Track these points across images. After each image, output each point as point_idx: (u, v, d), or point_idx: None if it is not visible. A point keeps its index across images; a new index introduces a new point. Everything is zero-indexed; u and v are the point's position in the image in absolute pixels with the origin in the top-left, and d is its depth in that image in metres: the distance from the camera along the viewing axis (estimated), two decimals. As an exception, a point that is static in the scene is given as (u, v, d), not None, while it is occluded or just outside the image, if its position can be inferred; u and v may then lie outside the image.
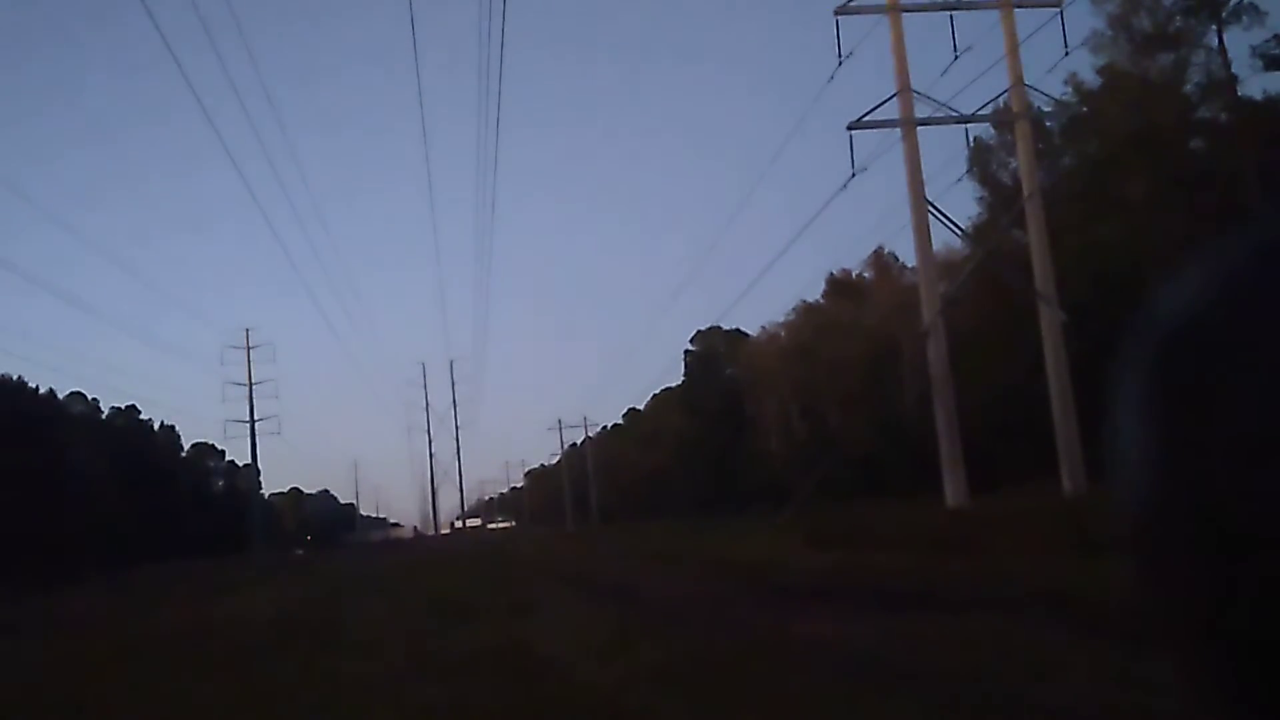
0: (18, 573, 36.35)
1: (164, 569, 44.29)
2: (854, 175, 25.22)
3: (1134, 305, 0.57)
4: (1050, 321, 25.46)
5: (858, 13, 25.62)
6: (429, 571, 28.02)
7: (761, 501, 50.80)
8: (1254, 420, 0.45)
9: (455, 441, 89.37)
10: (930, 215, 25.48)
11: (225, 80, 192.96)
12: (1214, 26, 31.75)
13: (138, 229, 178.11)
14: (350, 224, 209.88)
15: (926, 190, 25.57)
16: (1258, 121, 30.65)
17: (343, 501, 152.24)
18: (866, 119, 25.28)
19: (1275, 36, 30.65)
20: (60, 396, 67.31)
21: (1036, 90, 26.79)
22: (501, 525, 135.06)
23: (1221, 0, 31.12)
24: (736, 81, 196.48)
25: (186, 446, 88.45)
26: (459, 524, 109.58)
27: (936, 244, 27.45)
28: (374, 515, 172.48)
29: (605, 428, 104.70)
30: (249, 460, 74.53)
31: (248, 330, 72.59)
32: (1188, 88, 33.14)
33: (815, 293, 61.37)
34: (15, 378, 60.03)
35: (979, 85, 69.93)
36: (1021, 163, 27.79)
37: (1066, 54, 25.96)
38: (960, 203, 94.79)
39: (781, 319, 64.98)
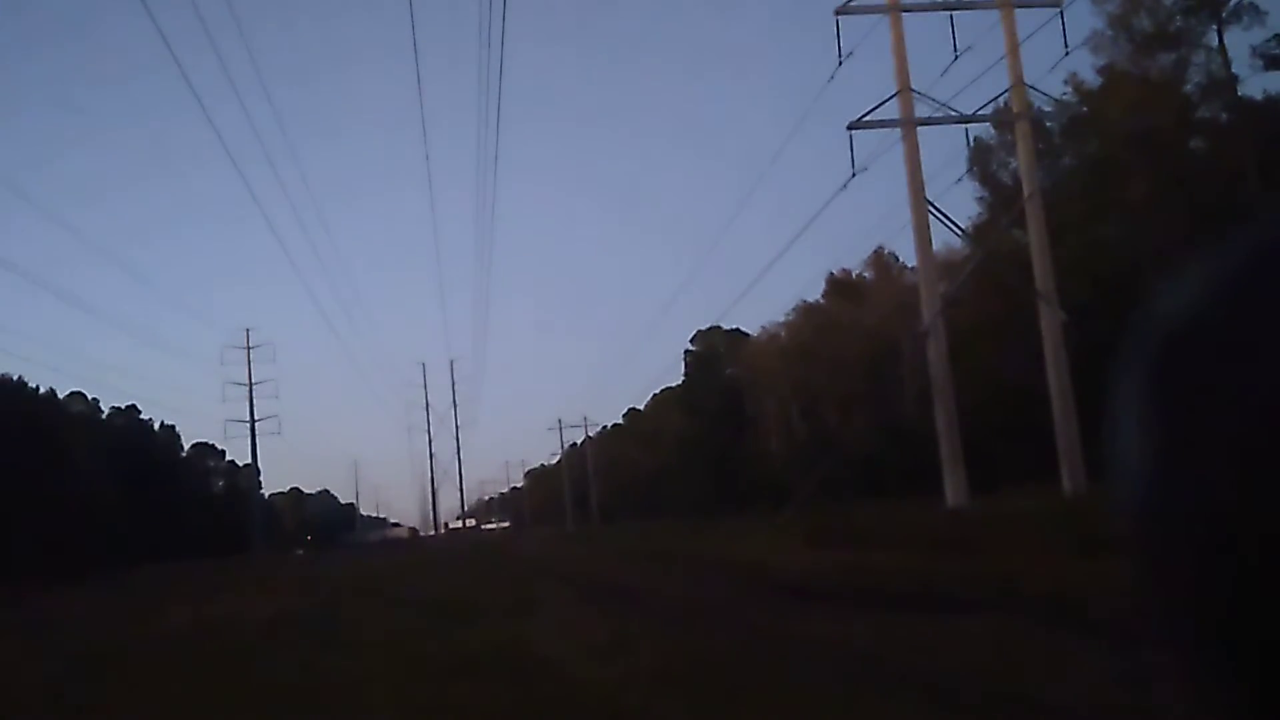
0: (17, 573, 36.35)
1: (164, 569, 44.28)
2: (854, 175, 25.23)
3: (1134, 305, 0.57)
4: (1050, 321, 25.46)
5: (858, 12, 25.62)
6: (430, 571, 28.02)
7: (761, 501, 50.80)
8: (1254, 420, 0.45)
9: (455, 441, 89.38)
10: (930, 215, 25.49)
11: (226, 81, 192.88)
12: (1214, 26, 31.77)
13: (138, 229, 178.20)
14: (350, 224, 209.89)
15: (926, 190, 25.57)
16: (1258, 121, 30.65)
17: (343, 501, 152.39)
18: (867, 119, 25.28)
19: (1275, 36, 30.68)
20: (60, 396, 67.33)
21: (1037, 90, 26.80)
22: (496, 526, 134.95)
23: (1221, 0, 31.12)
24: (736, 81, 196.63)
25: (187, 446, 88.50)
26: (459, 524, 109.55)
27: (937, 244, 27.47)
28: (374, 515, 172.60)
29: (605, 428, 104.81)
30: (249, 460, 74.64)
31: (248, 330, 72.69)
32: (1188, 87, 33.16)
33: (815, 293, 61.41)
34: (15, 378, 60.06)
35: (979, 85, 69.89)
36: (1022, 163, 27.78)
37: (1067, 54, 25.96)
38: (960, 203, 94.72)
39: (781, 319, 65.03)
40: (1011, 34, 25.81)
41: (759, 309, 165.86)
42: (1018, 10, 25.95)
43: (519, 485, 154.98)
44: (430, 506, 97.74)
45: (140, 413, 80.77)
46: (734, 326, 71.56)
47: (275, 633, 12.97)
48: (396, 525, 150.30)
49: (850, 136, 25.05)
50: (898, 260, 54.58)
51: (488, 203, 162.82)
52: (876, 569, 14.39)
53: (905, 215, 25.76)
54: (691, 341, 76.15)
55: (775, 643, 8.68)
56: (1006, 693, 5.90)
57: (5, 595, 27.07)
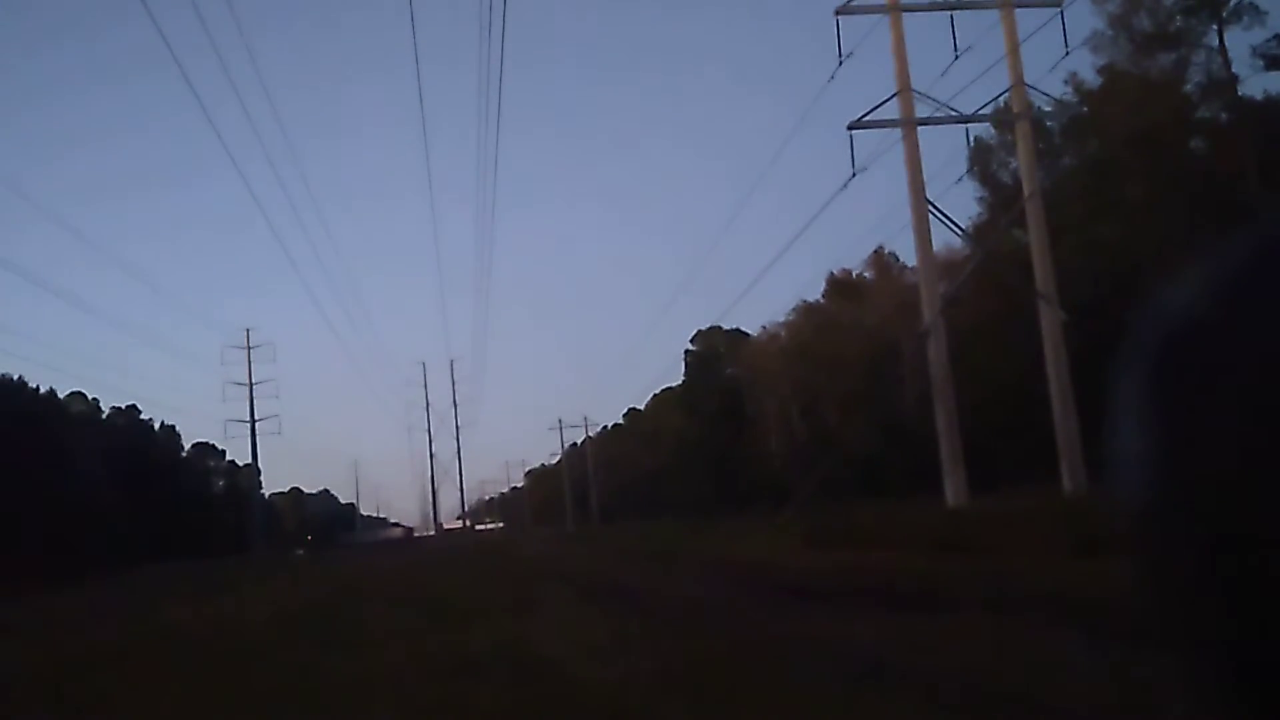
0: (17, 573, 36.34)
1: (164, 569, 44.29)
2: (854, 175, 25.24)
3: (1134, 305, 0.57)
4: (1050, 321, 25.45)
5: (858, 13, 25.62)
6: (430, 571, 28.02)
7: (761, 501, 50.80)
8: (1254, 420, 0.45)
9: (455, 441, 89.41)
10: (930, 215, 25.48)
11: (227, 84, 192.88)
12: (1214, 26, 31.78)
13: (139, 229, 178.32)
14: (351, 224, 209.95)
15: (927, 190, 25.57)
16: (1258, 121, 30.65)
17: (343, 501, 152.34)
18: (867, 119, 25.28)
19: (1275, 36, 30.70)
20: (60, 396, 67.35)
21: (1037, 90, 26.80)
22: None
23: (1222, 0, 31.12)
24: (737, 82, 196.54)
25: (187, 446, 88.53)
26: (459, 524, 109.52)
27: (937, 244, 27.46)
28: (374, 515, 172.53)
29: (606, 428, 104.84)
30: (249, 460, 74.63)
31: (248, 330, 72.73)
32: (1188, 87, 33.17)
33: (815, 292, 61.46)
34: (15, 378, 60.08)
35: (979, 85, 70.02)
36: (1022, 162, 27.77)
37: (1067, 54, 25.95)
38: (960, 203, 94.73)
39: (782, 319, 65.05)
40: (1012, 34, 25.81)
41: (759, 309, 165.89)
42: (1018, 10, 25.94)
43: (519, 485, 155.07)
44: (430, 506, 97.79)
45: (140, 412, 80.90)
46: (734, 326, 71.69)
47: (275, 632, 12.97)
48: (395, 525, 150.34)
49: (850, 136, 25.08)
50: (898, 260, 54.67)
51: (488, 203, 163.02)
52: (876, 569, 14.40)
53: (905, 215, 25.79)
54: (691, 341, 76.25)
55: (775, 643, 8.68)
56: (1006, 693, 5.90)
57: (5, 595, 27.07)
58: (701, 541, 27.52)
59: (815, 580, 13.92)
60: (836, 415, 52.55)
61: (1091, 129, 35.12)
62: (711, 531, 33.06)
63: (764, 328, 67.73)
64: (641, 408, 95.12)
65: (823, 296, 60.21)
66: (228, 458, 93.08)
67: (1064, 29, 25.33)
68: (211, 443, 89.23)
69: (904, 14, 25.72)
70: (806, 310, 61.20)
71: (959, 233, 30.32)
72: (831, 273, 59.67)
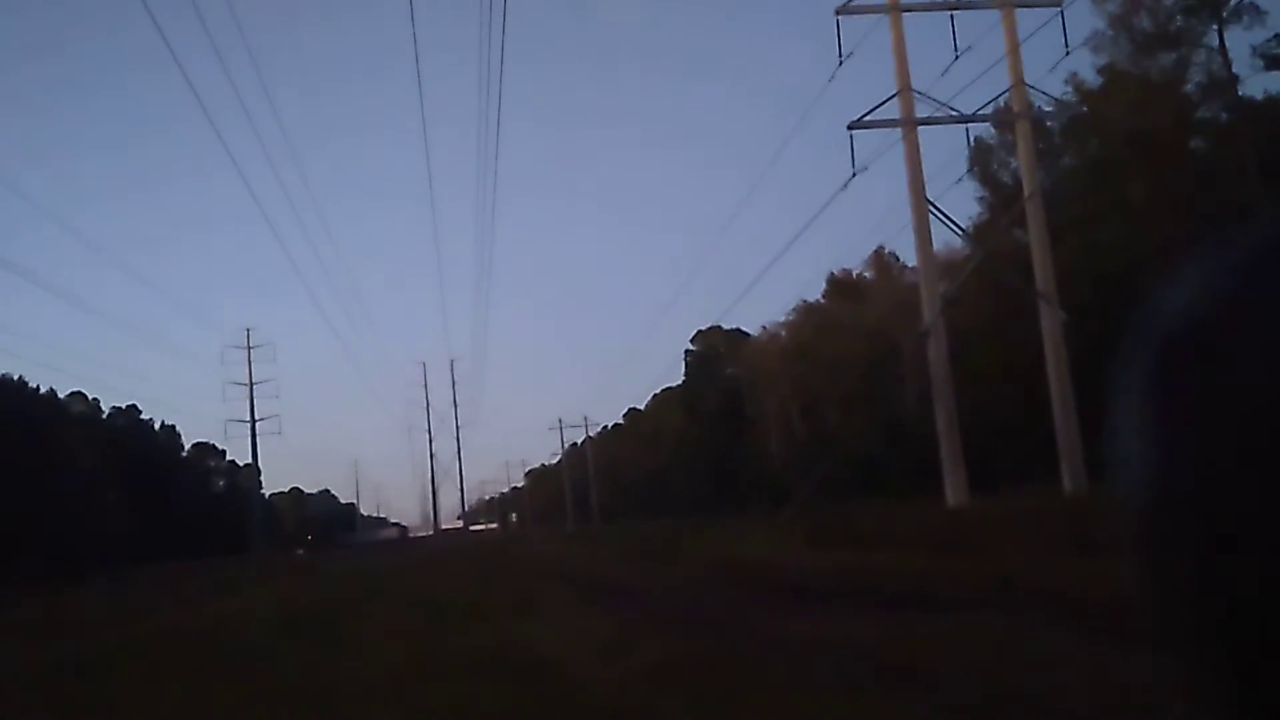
0: (18, 573, 36.35)
1: (164, 569, 44.29)
2: (854, 175, 25.26)
3: (1134, 305, 0.57)
4: (1050, 321, 25.45)
5: (858, 12, 25.63)
6: (431, 571, 28.02)
7: (761, 501, 50.80)
8: (1255, 419, 0.45)
9: (456, 441, 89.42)
10: (931, 215, 25.49)
11: (228, 85, 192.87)
12: (1215, 26, 31.76)
13: (139, 229, 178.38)
14: (351, 224, 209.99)
15: (927, 190, 25.58)
16: (1258, 121, 30.64)
17: (343, 501, 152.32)
18: (867, 119, 25.29)
19: (1276, 36, 30.69)
20: (60, 396, 67.35)
21: (1037, 90, 26.81)
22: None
23: (1222, 0, 31.12)
24: (737, 82, 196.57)
25: (187, 446, 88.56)
26: (457, 524, 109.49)
27: (937, 244, 27.48)
28: (374, 515, 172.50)
29: (606, 427, 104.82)
30: (250, 460, 74.65)
31: (248, 330, 72.77)
32: (1188, 87, 33.15)
33: (816, 292, 61.45)
34: (15, 378, 60.08)
35: (979, 85, 69.91)
36: (1022, 162, 27.78)
37: (1067, 54, 25.97)
38: (961, 202, 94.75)
39: (782, 319, 65.04)
40: (1012, 34, 25.81)
41: (759, 309, 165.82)
42: (1018, 10, 25.95)
43: (519, 485, 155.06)
44: (431, 506, 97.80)
45: (141, 413, 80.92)
46: (734, 326, 71.64)
47: (276, 632, 12.97)
48: (395, 525, 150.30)
49: (850, 136, 25.08)
50: (898, 260, 54.64)
51: (488, 203, 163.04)
52: (876, 569, 14.39)
53: (906, 215, 25.81)
54: (692, 341, 76.23)
55: (775, 642, 8.68)
56: (1007, 692, 5.90)
57: (5, 595, 27.07)
58: (702, 541, 27.51)
59: (815, 580, 13.92)
60: (836, 415, 52.54)
61: (1092, 129, 35.12)
62: (712, 531, 33.05)
63: (764, 328, 67.78)
64: (642, 408, 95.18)
65: (823, 296, 60.25)
66: (228, 458, 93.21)
67: (1064, 29, 25.38)
68: (212, 443, 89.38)
69: (904, 14, 25.73)
70: (807, 310, 61.21)
71: (959, 233, 30.36)
72: (832, 273, 59.73)
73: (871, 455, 44.22)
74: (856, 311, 53.00)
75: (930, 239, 25.74)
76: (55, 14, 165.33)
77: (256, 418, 70.64)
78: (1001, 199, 37.46)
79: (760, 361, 63.84)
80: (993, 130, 37.61)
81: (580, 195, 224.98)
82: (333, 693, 7.91)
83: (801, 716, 5.95)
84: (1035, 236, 26.06)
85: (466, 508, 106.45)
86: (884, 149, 26.02)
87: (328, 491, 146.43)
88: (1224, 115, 32.68)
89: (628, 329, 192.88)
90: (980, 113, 27.83)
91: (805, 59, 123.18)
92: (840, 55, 25.44)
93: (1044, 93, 27.62)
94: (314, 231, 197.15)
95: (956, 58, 26.20)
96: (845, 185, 25.79)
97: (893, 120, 25.42)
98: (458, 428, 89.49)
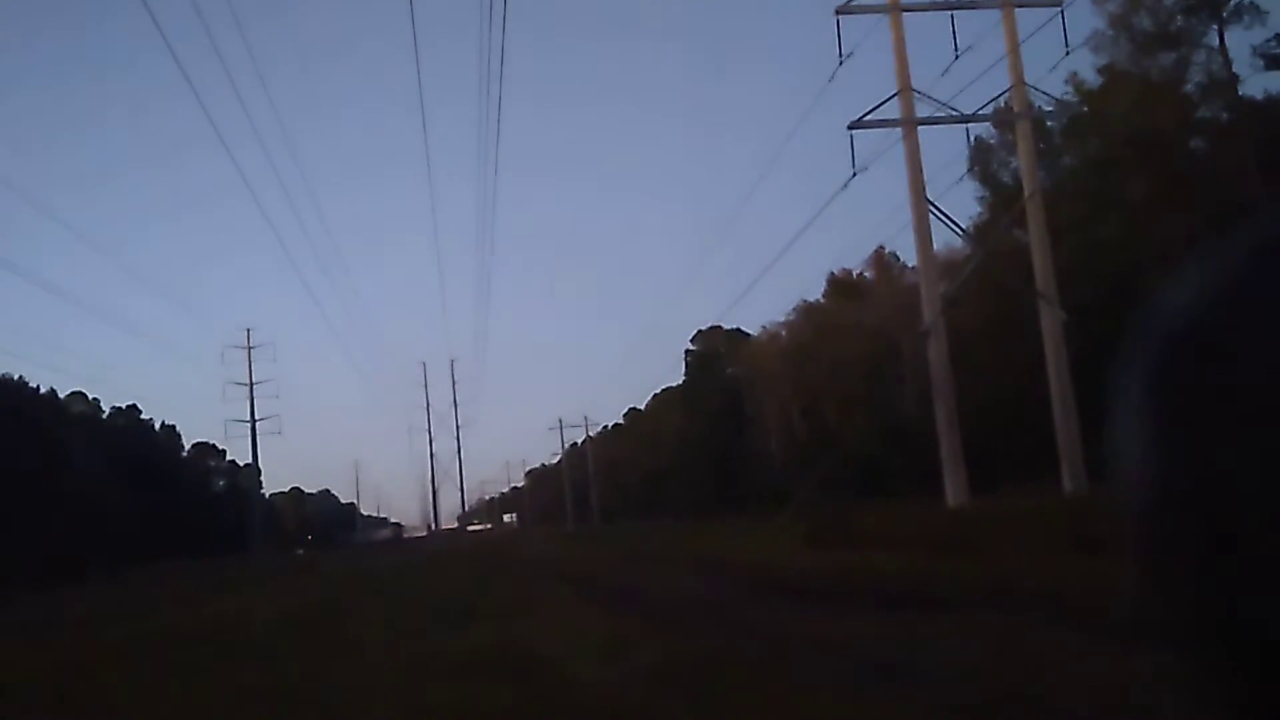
0: (18, 573, 36.36)
1: (164, 569, 44.29)
2: (855, 175, 25.22)
3: (1134, 305, 0.57)
4: (1051, 321, 25.45)
5: (858, 12, 25.61)
6: (431, 571, 28.02)
7: (762, 501, 50.81)
8: (1255, 419, 0.45)
9: (456, 441, 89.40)
10: (931, 215, 25.47)
11: (226, 81, 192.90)
12: (1215, 26, 31.77)
13: (140, 229, 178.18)
14: (352, 224, 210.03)
15: (927, 190, 25.55)
16: (1258, 121, 30.64)
17: (343, 501, 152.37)
18: (867, 119, 25.27)
19: (1276, 36, 30.68)
20: (61, 396, 67.34)
21: (1037, 90, 26.78)
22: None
23: (1222, 0, 31.12)
24: (737, 82, 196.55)
25: (187, 446, 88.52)
26: (455, 525, 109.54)
27: (937, 244, 27.45)
28: (374, 515, 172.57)
29: (606, 427, 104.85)
30: (250, 460, 74.60)
31: (248, 330, 72.64)
32: (1188, 87, 33.15)
33: (816, 292, 61.46)
34: (15, 377, 60.08)
35: (980, 85, 69.88)
36: (1022, 162, 27.76)
37: (1067, 53, 25.92)
38: (961, 202, 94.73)
39: (782, 319, 65.07)
40: (1012, 34, 25.80)
41: (760, 309, 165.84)
42: (1018, 10, 25.93)
43: (519, 485, 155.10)
44: (431, 506, 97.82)
45: (141, 412, 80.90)
46: (735, 326, 71.66)
47: (276, 632, 12.97)
48: (395, 524, 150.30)
49: (851, 136, 25.07)
50: (898, 260, 54.61)
51: (489, 204, 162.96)
52: (877, 569, 14.39)
53: (906, 215, 25.77)
54: (692, 341, 76.26)
55: (775, 643, 8.68)
56: (1007, 692, 5.90)
57: (5, 595, 27.08)
58: (702, 541, 27.51)
59: (816, 580, 13.92)
60: (837, 415, 52.55)
61: (1092, 129, 35.11)
62: (712, 531, 33.06)
63: (764, 328, 67.80)
64: (642, 408, 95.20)
65: (823, 296, 60.26)
66: (228, 458, 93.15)
67: (1064, 29, 25.34)
68: (212, 443, 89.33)
69: (904, 14, 25.71)
70: (807, 310, 61.22)
71: (959, 233, 30.33)
72: (832, 272, 59.73)
73: (871, 455, 44.24)
74: (857, 311, 52.99)
75: (930, 239, 25.74)
76: (46, 3, 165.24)
77: (256, 418, 70.63)
78: (1002, 199, 37.45)
79: (760, 361, 63.84)
80: (993, 130, 37.62)
81: (581, 195, 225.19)
82: (332, 693, 7.91)
83: (801, 717, 5.95)
84: (1035, 236, 26.05)
85: (466, 508, 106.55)
86: (884, 149, 26.02)
87: (328, 491, 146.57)
88: (1224, 115, 32.69)
89: (628, 329, 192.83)
90: (980, 113, 27.83)
91: (806, 59, 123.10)
92: (840, 55, 25.45)
93: (1044, 92, 27.62)
94: (315, 231, 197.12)
95: (957, 58, 26.21)
96: (845, 185, 25.80)
97: (893, 120, 25.41)
98: (458, 428, 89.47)
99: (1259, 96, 32.61)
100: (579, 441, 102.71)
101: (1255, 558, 0.44)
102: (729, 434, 65.58)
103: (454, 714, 6.68)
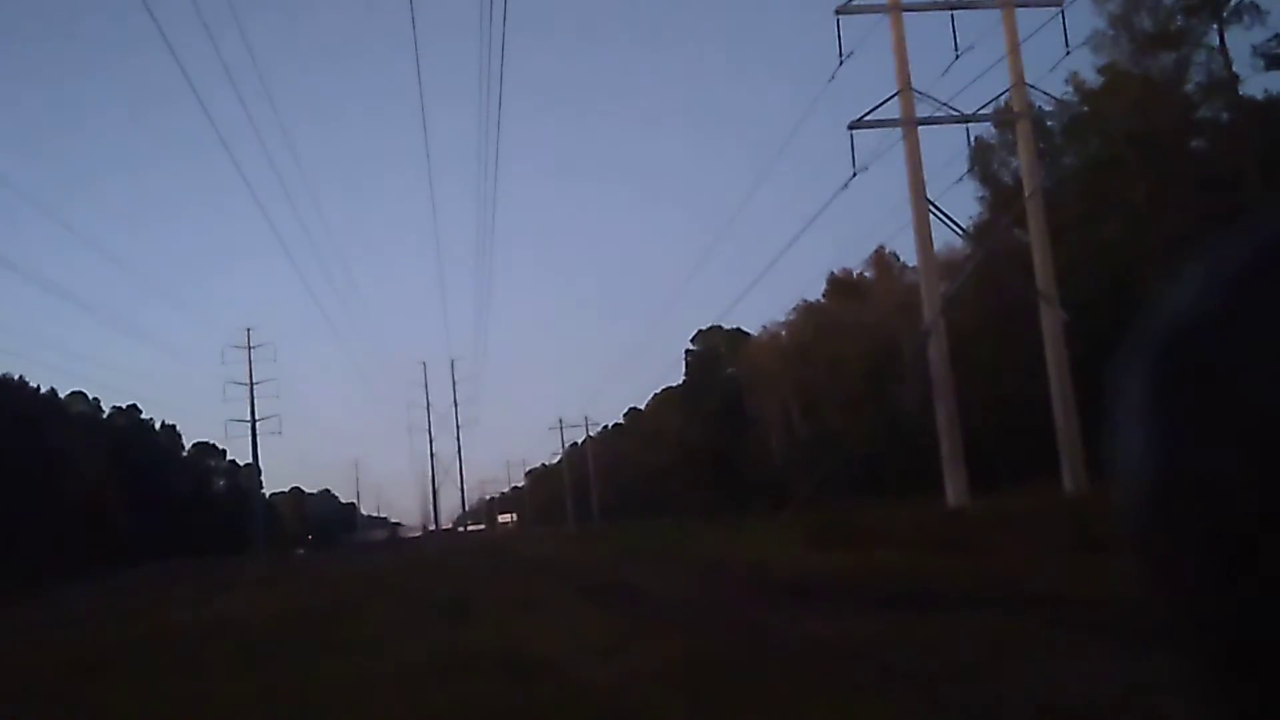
0: (18, 572, 36.37)
1: (164, 569, 44.29)
2: (855, 175, 25.21)
3: (1134, 305, 0.57)
4: (1051, 321, 25.44)
5: (859, 12, 25.61)
6: (432, 571, 28.01)
7: (762, 501, 50.78)
8: (1255, 420, 0.45)
9: (456, 441, 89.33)
10: (931, 214, 25.47)
11: (226, 79, 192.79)
12: (1215, 26, 31.74)
13: (140, 228, 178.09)
14: (352, 224, 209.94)
15: (927, 189, 25.55)
16: (1259, 121, 30.64)
17: (344, 501, 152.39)
18: (867, 118, 25.27)
19: (1276, 36, 30.66)
20: (61, 396, 67.35)
21: (1038, 90, 26.77)
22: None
23: (1223, 0, 31.12)
24: (737, 81, 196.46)
25: (188, 446, 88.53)
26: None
27: (938, 243, 27.45)
28: (375, 515, 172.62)
29: (606, 427, 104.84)
30: (250, 460, 74.59)
31: (249, 330, 72.55)
32: (1189, 87, 33.14)
33: (816, 292, 61.41)
34: (15, 377, 60.08)
35: (980, 84, 69.97)
36: (1022, 162, 27.76)
37: (1068, 53, 25.90)
38: (961, 202, 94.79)
39: (782, 318, 65.04)
40: (1012, 33, 25.80)
41: (760, 308, 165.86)
42: (1018, 10, 25.93)
43: (519, 485, 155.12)
44: (431, 506, 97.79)
45: (141, 412, 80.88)
46: (735, 326, 71.61)
47: (277, 631, 12.97)
48: (393, 524, 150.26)
49: (851, 136, 25.07)
50: (899, 260, 54.58)
51: (489, 204, 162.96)
52: (877, 569, 14.39)
53: (906, 215, 25.76)
54: (692, 341, 76.24)
55: (775, 642, 8.68)
56: (1008, 692, 5.89)
57: (6, 595, 27.09)
58: (702, 541, 27.52)
59: (816, 580, 13.92)
60: (837, 415, 52.51)
61: (1092, 128, 35.11)
62: (712, 531, 33.07)
63: (764, 327, 67.77)
64: (642, 407, 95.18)
65: (823, 296, 60.23)
66: (228, 457, 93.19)
67: (1065, 28, 25.32)
68: (212, 442, 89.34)
69: (904, 13, 25.72)
70: (807, 310, 61.21)
71: (960, 232, 30.35)
72: (832, 272, 59.71)
73: (871, 455, 44.20)
74: (857, 311, 52.98)
75: (931, 239, 25.74)
76: (47, 4, 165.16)
77: (257, 417, 70.60)
78: (1002, 198, 37.43)
79: (761, 361, 63.84)
80: (993, 130, 37.60)
81: (581, 194, 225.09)
82: (332, 691, 7.90)
83: (801, 716, 5.94)
84: (1036, 236, 26.05)
85: (467, 508, 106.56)
86: (884, 149, 26.01)
87: (328, 491, 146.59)
88: (1224, 115, 32.67)
89: (628, 328, 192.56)
90: (981, 112, 27.82)
91: (806, 58, 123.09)
92: (841, 55, 25.46)
93: (1045, 92, 27.61)
94: (315, 231, 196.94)
95: (957, 57, 26.20)
96: (846, 185, 25.79)
97: (893, 120, 25.41)
98: (458, 428, 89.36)
99: (1259, 96, 32.62)
100: (579, 441, 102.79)
101: (1255, 557, 0.44)
102: (729, 434, 65.58)
103: (454, 713, 6.67)
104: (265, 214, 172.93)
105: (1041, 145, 32.17)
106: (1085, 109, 34.16)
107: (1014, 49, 25.72)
